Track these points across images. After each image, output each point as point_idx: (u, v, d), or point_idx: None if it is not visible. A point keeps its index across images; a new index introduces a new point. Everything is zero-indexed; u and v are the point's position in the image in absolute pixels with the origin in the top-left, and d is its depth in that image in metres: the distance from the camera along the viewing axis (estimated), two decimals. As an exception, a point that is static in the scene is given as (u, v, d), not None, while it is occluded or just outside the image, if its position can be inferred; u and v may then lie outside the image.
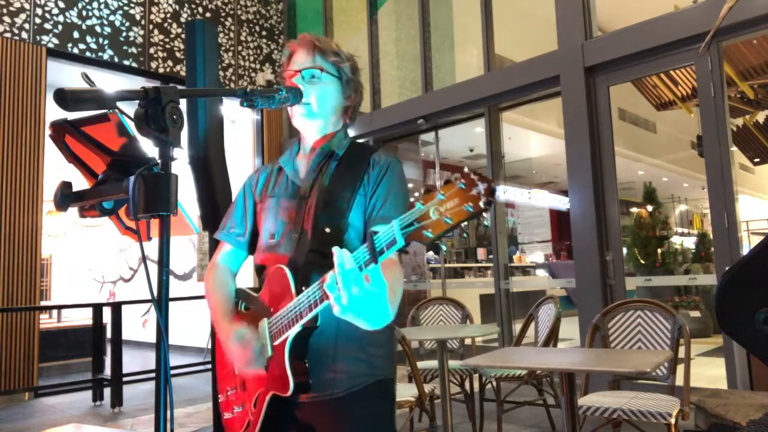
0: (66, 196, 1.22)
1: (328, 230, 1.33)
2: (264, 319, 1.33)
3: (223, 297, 1.46)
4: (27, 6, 5.78)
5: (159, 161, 1.01)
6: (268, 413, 1.31)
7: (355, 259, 1.04)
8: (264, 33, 7.79)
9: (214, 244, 4.13)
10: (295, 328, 1.23)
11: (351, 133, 1.55)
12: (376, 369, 1.37)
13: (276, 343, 1.28)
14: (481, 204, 0.91)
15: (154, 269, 0.98)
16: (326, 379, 1.32)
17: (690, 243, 10.40)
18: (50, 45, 5.88)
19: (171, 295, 1.01)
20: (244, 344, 1.31)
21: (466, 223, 0.95)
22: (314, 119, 1.44)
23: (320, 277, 1.20)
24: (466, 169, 0.96)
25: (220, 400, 1.48)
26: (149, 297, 0.96)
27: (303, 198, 1.42)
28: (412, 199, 1.00)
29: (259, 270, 1.46)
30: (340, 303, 1.04)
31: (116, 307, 5.30)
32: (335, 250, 1.04)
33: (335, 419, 1.33)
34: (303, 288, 1.23)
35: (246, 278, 1.54)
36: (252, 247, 1.54)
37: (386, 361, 1.41)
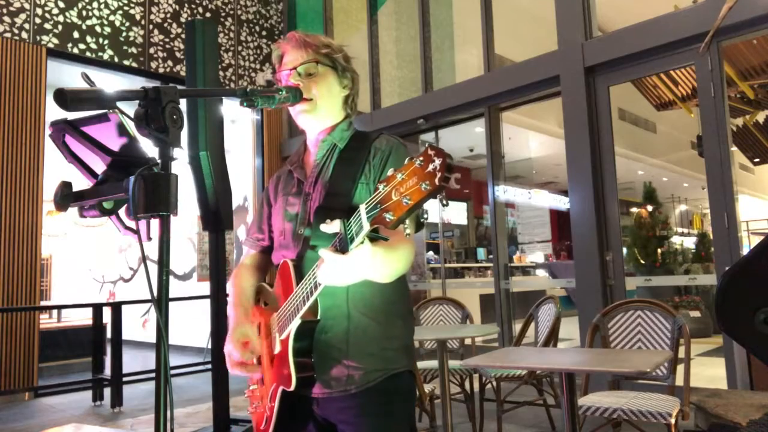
0: (66, 196, 1.22)
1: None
2: (274, 314, 1.35)
3: (239, 291, 1.49)
4: (27, 6, 5.78)
5: (159, 161, 1.00)
6: (285, 408, 1.32)
7: (335, 249, 1.10)
8: (264, 33, 7.79)
9: (214, 244, 4.13)
10: (295, 322, 1.24)
11: (350, 121, 1.54)
12: (390, 363, 1.35)
13: (282, 337, 1.30)
14: (437, 181, 0.86)
15: (154, 269, 0.98)
16: (338, 375, 1.32)
17: (690, 243, 10.40)
18: (50, 45, 5.88)
19: (171, 295, 1.01)
20: (243, 345, 1.36)
21: (425, 203, 0.90)
22: (317, 113, 1.44)
23: None
24: (425, 144, 0.93)
25: (247, 394, 1.51)
26: (149, 297, 0.96)
27: (307, 194, 1.43)
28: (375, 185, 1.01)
29: (276, 267, 1.49)
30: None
31: (116, 307, 5.30)
32: (322, 251, 1.11)
33: (352, 415, 1.32)
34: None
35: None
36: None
37: (402, 353, 1.38)
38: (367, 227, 0.98)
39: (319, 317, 1.27)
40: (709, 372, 4.90)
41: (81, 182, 1.29)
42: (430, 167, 0.87)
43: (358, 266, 1.08)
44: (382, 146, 1.40)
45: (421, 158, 0.89)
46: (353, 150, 1.42)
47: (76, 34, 6.09)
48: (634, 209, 10.29)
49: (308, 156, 1.51)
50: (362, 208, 0.99)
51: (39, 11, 5.85)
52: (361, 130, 1.50)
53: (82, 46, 6.12)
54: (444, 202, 0.93)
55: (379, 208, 0.94)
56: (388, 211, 0.93)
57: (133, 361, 6.71)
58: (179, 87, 1.05)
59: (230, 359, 1.37)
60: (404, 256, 1.24)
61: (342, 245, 1.06)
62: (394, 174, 0.94)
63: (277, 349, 1.32)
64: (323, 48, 1.43)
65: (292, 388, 1.25)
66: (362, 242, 1.04)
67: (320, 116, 1.45)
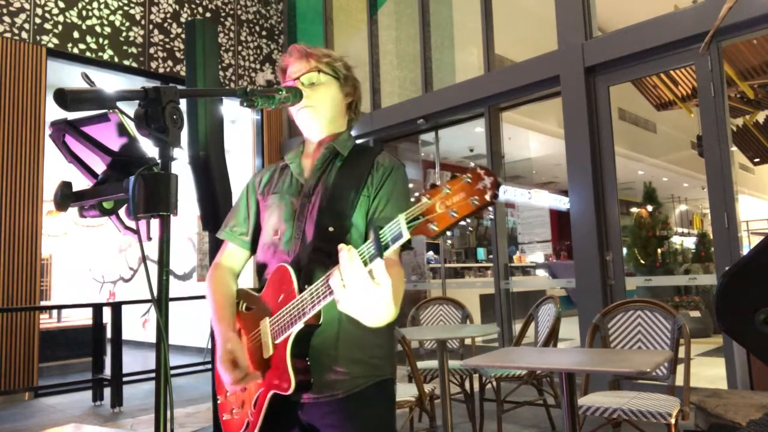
0: (66, 196, 1.22)
1: (331, 229, 1.34)
2: (265, 318, 1.33)
3: (223, 299, 1.46)
4: (27, 6, 5.78)
5: (159, 161, 1.00)
6: (269, 414, 1.31)
7: (361, 254, 1.05)
8: (264, 33, 7.79)
9: (214, 244, 4.12)
10: (298, 326, 1.23)
11: (351, 133, 1.56)
12: (376, 370, 1.38)
13: (277, 341, 1.28)
14: (487, 197, 0.93)
15: (154, 269, 0.98)
16: (327, 381, 1.33)
17: (690, 243, 10.40)
18: (50, 45, 5.88)
19: (171, 295, 1.01)
20: (232, 363, 1.32)
21: (470, 217, 0.96)
22: (319, 119, 1.47)
23: (323, 275, 1.21)
24: (472, 164, 0.98)
25: (219, 401, 1.48)
26: (149, 297, 0.95)
27: (306, 196, 1.43)
28: (416, 196, 1.01)
29: (260, 268, 1.46)
30: (343, 298, 1.06)
31: (116, 307, 5.30)
32: (341, 246, 1.06)
33: (336, 420, 1.33)
34: (306, 286, 1.24)
35: (248, 279, 1.54)
36: (255, 245, 1.54)
37: (386, 361, 1.41)
38: (406, 235, 1.00)
39: (320, 321, 1.26)
40: (709, 372, 4.90)
41: (81, 182, 1.29)
42: (480, 185, 0.94)
43: (372, 291, 1.06)
44: (385, 162, 1.43)
45: (470, 176, 0.95)
46: (356, 160, 1.44)
47: (76, 34, 6.09)
48: (634, 209, 10.29)
49: (307, 158, 1.51)
50: (401, 217, 1.01)
51: (39, 11, 5.85)
52: (358, 137, 1.52)
53: (82, 46, 6.12)
54: (491, 216, 0.99)
55: (423, 219, 0.98)
56: (433, 222, 0.97)
57: (133, 361, 6.71)
58: (179, 87, 1.05)
59: (225, 379, 1.34)
60: (403, 276, 1.30)
61: (376, 251, 1.04)
62: (440, 188, 0.98)
63: (269, 353, 1.30)
64: (324, 57, 1.47)
65: (291, 391, 1.24)
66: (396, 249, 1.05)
67: (321, 122, 1.47)
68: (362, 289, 1.05)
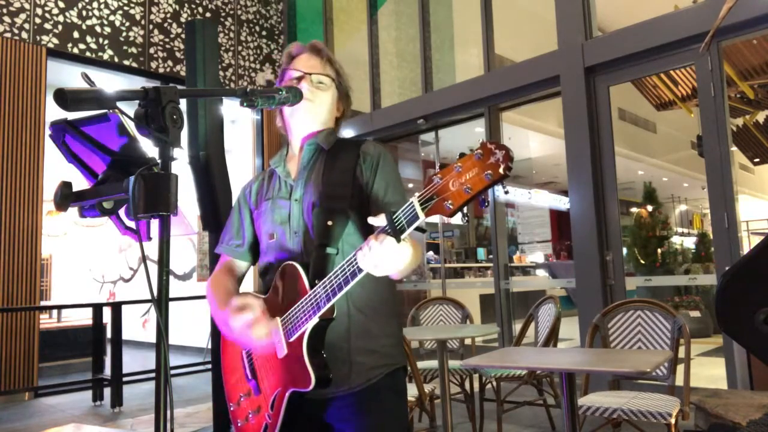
0: (66, 196, 1.22)
1: (329, 223, 1.34)
2: (276, 318, 1.32)
3: (225, 292, 1.46)
4: (27, 6, 5.78)
5: (159, 161, 1.00)
6: (287, 414, 1.30)
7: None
8: (264, 33, 7.79)
9: (214, 244, 4.11)
10: (313, 321, 1.24)
11: (351, 133, 1.57)
12: (388, 359, 1.39)
13: (291, 339, 1.28)
14: (501, 170, 0.93)
15: (154, 269, 0.98)
16: (343, 374, 1.33)
17: (690, 243, 10.39)
18: (50, 45, 5.88)
19: (171, 295, 1.01)
20: (250, 326, 1.30)
21: (484, 193, 0.97)
22: (313, 116, 1.48)
23: (332, 270, 1.22)
24: (482, 140, 0.98)
25: (231, 409, 1.46)
26: (149, 297, 0.95)
27: (298, 196, 1.43)
28: (428, 176, 1.02)
29: (263, 273, 1.46)
30: (371, 259, 1.10)
31: (116, 307, 5.31)
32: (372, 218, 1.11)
33: (355, 413, 1.34)
34: (316, 281, 1.24)
35: (247, 286, 1.54)
36: (253, 255, 1.55)
37: (397, 349, 1.43)
38: (422, 216, 1.02)
39: (334, 315, 1.26)
40: (709, 372, 4.90)
41: (81, 182, 1.29)
42: (492, 159, 0.94)
43: (404, 254, 1.11)
44: (371, 151, 1.44)
45: (480, 151, 0.95)
46: (340, 153, 1.45)
47: (76, 34, 6.09)
48: (634, 209, 10.29)
49: (291, 160, 1.52)
50: (414, 199, 1.02)
51: (39, 11, 5.85)
52: (358, 137, 1.52)
53: (82, 46, 6.11)
54: (506, 189, 1.02)
55: (437, 198, 0.99)
56: (447, 200, 0.98)
57: (133, 361, 6.70)
58: (179, 87, 1.05)
59: (256, 333, 1.28)
60: (421, 253, 1.30)
61: (392, 235, 1.07)
62: (450, 167, 0.98)
63: (283, 352, 1.29)
64: (336, 65, 1.52)
65: (311, 387, 1.23)
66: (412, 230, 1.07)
67: (316, 120, 1.48)
68: (390, 251, 1.08)
